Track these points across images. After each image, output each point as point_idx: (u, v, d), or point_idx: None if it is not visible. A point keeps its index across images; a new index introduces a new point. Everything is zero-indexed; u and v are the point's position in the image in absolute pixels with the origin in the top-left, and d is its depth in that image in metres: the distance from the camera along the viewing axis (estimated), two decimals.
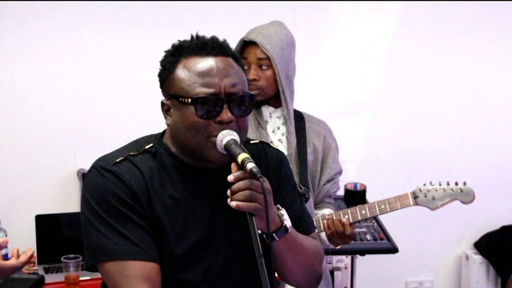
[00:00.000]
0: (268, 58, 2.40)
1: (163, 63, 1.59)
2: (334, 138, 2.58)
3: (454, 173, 2.64)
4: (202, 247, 1.57)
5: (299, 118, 2.57)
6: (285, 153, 2.55)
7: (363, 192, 3.29)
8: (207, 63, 1.54)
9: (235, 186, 1.44)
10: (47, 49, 3.42)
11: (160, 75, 1.60)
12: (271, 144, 1.79)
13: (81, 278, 2.74)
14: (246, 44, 2.44)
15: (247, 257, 1.55)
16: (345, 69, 3.80)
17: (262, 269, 1.40)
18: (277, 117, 2.56)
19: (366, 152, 3.82)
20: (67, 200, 3.42)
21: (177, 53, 1.57)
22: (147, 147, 1.61)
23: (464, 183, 2.45)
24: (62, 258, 2.72)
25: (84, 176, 3.33)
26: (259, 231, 1.46)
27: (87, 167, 3.40)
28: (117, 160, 1.57)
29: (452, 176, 2.54)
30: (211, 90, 1.51)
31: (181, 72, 1.54)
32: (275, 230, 1.52)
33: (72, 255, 2.72)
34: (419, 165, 3.80)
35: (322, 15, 3.74)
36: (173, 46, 1.60)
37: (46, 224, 3.10)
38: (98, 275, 3.02)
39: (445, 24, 3.93)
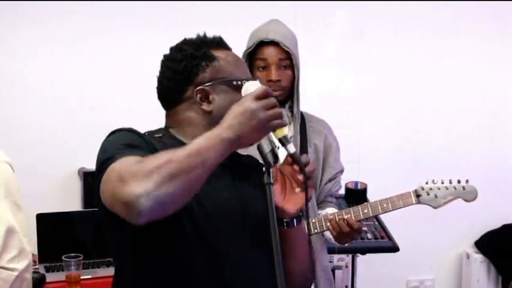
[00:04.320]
0: (288, 58, 2.38)
1: (191, 54, 1.62)
2: (334, 137, 2.58)
3: (455, 171, 2.64)
4: None
5: (300, 117, 2.57)
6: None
7: (364, 191, 3.28)
8: (235, 55, 1.66)
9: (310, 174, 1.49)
10: (48, 49, 3.42)
11: (189, 65, 1.61)
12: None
13: (82, 277, 2.74)
14: (261, 43, 2.39)
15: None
16: (344, 69, 3.80)
17: (276, 240, 1.38)
18: None
19: (366, 151, 3.83)
20: (68, 199, 3.42)
21: (204, 45, 1.64)
22: (156, 135, 1.62)
23: (467, 181, 2.45)
24: (63, 257, 2.71)
25: (85, 175, 3.35)
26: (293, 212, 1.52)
27: (87, 166, 3.45)
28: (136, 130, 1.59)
29: (453, 175, 2.53)
30: (253, 77, 1.64)
31: (224, 60, 1.62)
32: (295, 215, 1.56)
33: (73, 254, 2.71)
34: (420, 164, 3.80)
35: (322, 15, 3.75)
36: (197, 39, 1.67)
37: (47, 223, 3.10)
38: (98, 274, 3.03)
39: (445, 24, 3.93)
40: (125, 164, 1.38)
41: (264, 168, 1.43)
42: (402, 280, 3.96)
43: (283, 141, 1.46)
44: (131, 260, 1.54)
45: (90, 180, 3.37)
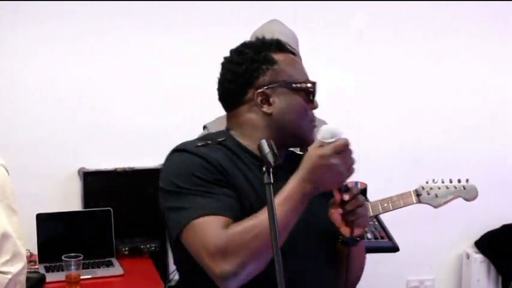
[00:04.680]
0: None
1: (251, 58, 1.67)
2: None
3: (455, 171, 2.64)
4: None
5: None
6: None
7: (364, 190, 3.27)
8: (293, 58, 1.72)
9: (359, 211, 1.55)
10: (48, 49, 3.42)
11: (250, 69, 1.66)
12: None
13: (82, 277, 2.74)
14: None
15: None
16: (344, 69, 3.80)
17: (276, 240, 1.37)
18: None
19: (366, 151, 3.82)
20: (68, 199, 3.42)
21: (264, 48, 1.69)
22: (219, 139, 1.66)
23: (467, 181, 2.45)
24: (62, 257, 2.72)
25: (85, 175, 3.35)
26: (348, 236, 1.56)
27: (88, 165, 3.45)
28: (198, 144, 1.63)
29: (453, 175, 2.54)
30: (311, 80, 1.70)
31: (283, 63, 1.67)
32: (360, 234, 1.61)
33: (73, 254, 2.72)
34: (420, 164, 3.80)
35: (322, 15, 3.75)
36: (257, 42, 1.72)
37: (47, 223, 3.11)
38: (98, 274, 3.04)
39: (445, 24, 3.93)
40: (211, 232, 1.46)
41: (264, 168, 1.43)
42: (402, 280, 3.95)
43: None
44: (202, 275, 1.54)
45: (90, 180, 3.38)
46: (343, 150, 1.47)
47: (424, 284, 3.98)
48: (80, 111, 3.48)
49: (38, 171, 3.37)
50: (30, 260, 2.85)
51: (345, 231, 1.58)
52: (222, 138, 1.66)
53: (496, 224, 3.97)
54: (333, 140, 1.47)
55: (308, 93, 1.68)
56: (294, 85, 1.66)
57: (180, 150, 1.62)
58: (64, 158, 3.44)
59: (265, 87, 1.64)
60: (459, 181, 2.46)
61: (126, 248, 3.20)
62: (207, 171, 1.55)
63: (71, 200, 3.41)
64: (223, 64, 1.74)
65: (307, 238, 1.61)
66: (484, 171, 3.70)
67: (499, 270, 3.90)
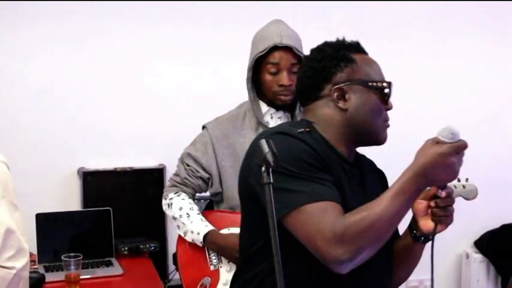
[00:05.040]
0: (298, 62, 2.40)
1: (331, 55, 1.74)
2: None
3: None
4: None
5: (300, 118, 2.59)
6: None
7: None
8: (371, 59, 1.78)
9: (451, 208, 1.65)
10: (48, 49, 3.42)
11: (329, 65, 1.72)
12: None
13: (81, 277, 2.74)
14: (272, 48, 2.40)
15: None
16: None
17: (275, 240, 1.38)
18: (278, 118, 2.57)
19: (366, 151, 3.82)
20: (67, 199, 3.42)
21: (343, 48, 1.76)
22: (307, 129, 1.70)
23: (467, 180, 2.45)
24: (62, 257, 2.72)
25: (84, 175, 3.35)
26: (425, 231, 1.66)
27: (87, 165, 3.45)
28: (299, 130, 1.66)
29: None
30: (387, 80, 1.76)
31: (363, 62, 1.74)
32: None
33: (72, 254, 2.71)
34: None
35: (322, 15, 3.75)
36: (337, 42, 1.80)
37: (46, 223, 3.10)
38: (98, 274, 3.04)
39: (445, 24, 3.93)
40: (328, 217, 1.50)
41: (263, 168, 1.43)
42: None
43: None
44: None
45: (90, 180, 3.38)
46: (461, 152, 1.54)
47: (424, 283, 3.98)
48: (79, 111, 3.48)
49: (37, 171, 3.37)
50: (29, 259, 2.84)
51: (424, 225, 1.66)
52: (309, 129, 1.70)
53: (495, 224, 3.97)
54: (450, 139, 1.53)
55: (383, 93, 1.75)
56: (370, 83, 1.72)
57: (284, 134, 1.64)
58: (63, 158, 3.45)
59: (342, 84, 1.70)
60: (459, 180, 2.46)
61: (126, 248, 3.20)
62: (313, 158, 1.59)
63: (70, 200, 3.42)
64: (304, 62, 1.82)
65: None
66: (483, 171, 3.69)
67: (498, 270, 3.90)
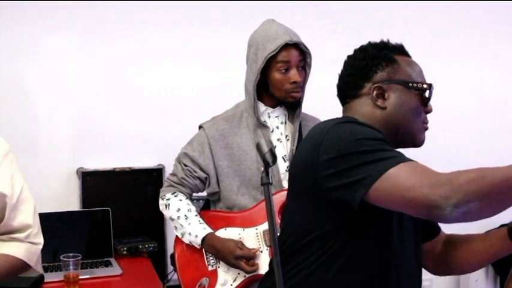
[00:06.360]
0: (304, 59, 2.46)
1: (373, 54, 1.76)
2: None
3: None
4: None
5: (300, 115, 2.60)
6: (285, 153, 2.55)
7: None
8: (413, 61, 1.79)
9: None
10: (47, 49, 3.42)
11: (370, 64, 1.74)
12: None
13: (80, 277, 2.74)
14: (283, 46, 2.42)
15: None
16: None
17: (275, 240, 1.39)
18: (276, 117, 2.57)
19: None
20: (67, 199, 3.42)
21: (386, 48, 1.78)
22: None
23: None
24: (61, 257, 2.72)
25: (83, 175, 3.35)
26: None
27: (86, 165, 3.45)
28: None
29: None
30: (428, 82, 1.75)
31: (403, 63, 1.75)
32: None
33: (71, 254, 2.71)
34: None
35: (321, 15, 3.75)
36: (380, 43, 1.82)
37: (45, 223, 3.08)
38: (97, 274, 3.03)
39: (445, 25, 3.93)
40: (425, 168, 1.44)
41: (263, 168, 1.43)
42: None
43: None
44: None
45: (89, 180, 3.38)
46: None
47: (422, 284, 3.97)
48: (78, 111, 3.48)
49: (36, 171, 3.36)
50: None
51: None
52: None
53: (493, 224, 3.96)
54: None
55: (423, 95, 1.73)
56: (410, 84, 1.72)
57: (348, 122, 1.62)
58: (62, 158, 3.44)
59: (382, 83, 1.71)
60: None
61: (125, 248, 3.20)
62: (383, 138, 1.57)
63: (69, 200, 3.41)
64: (346, 61, 1.82)
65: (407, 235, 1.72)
66: None
67: (497, 270, 3.90)
